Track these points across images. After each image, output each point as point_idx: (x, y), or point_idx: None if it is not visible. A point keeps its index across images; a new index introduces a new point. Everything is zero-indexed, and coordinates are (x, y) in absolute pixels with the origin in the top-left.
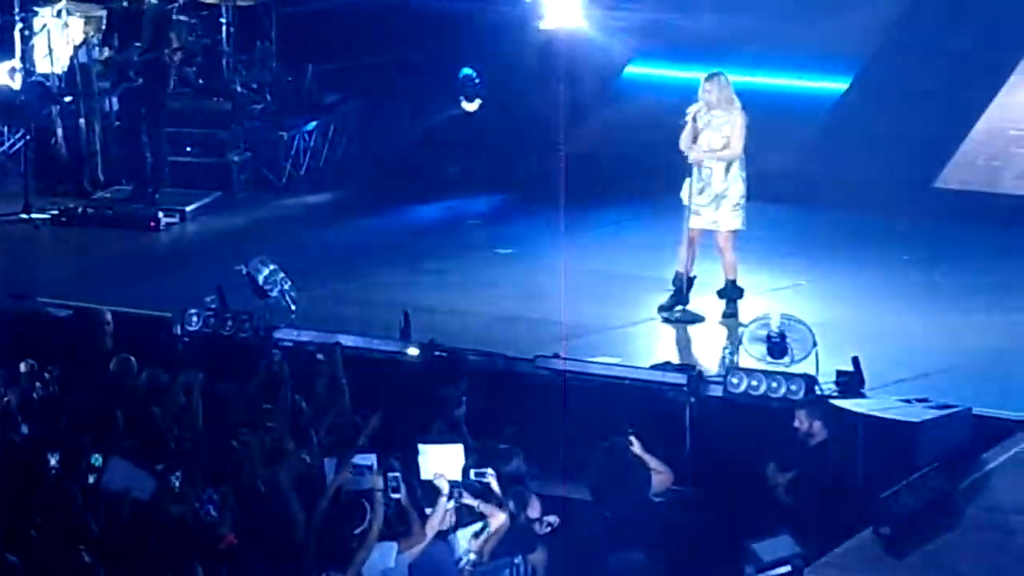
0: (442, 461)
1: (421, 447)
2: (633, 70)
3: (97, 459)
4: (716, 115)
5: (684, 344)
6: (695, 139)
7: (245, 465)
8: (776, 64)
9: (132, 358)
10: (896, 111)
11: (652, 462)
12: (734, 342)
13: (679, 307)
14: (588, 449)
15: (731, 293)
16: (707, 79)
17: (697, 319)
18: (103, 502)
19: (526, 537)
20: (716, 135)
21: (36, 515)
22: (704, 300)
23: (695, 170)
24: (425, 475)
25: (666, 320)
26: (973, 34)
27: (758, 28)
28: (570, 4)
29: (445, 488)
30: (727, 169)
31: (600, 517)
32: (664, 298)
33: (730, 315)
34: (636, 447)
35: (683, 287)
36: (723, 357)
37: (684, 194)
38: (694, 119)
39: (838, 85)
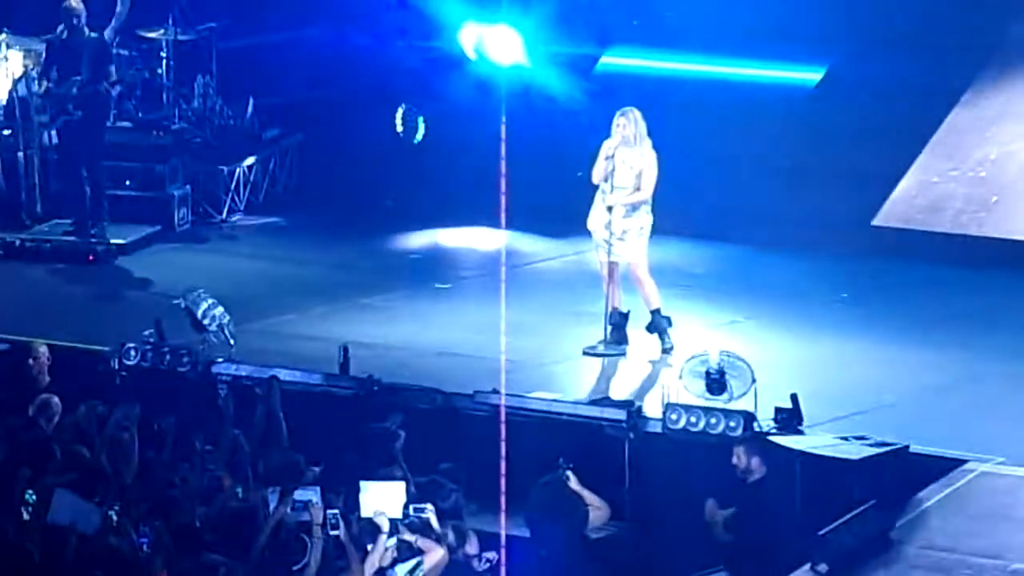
0: (383, 499)
1: (363, 484)
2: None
3: (31, 495)
4: (629, 151)
5: (623, 380)
6: (608, 175)
7: (182, 501)
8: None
9: (55, 397)
10: (835, 147)
11: (589, 497)
12: (673, 378)
13: (611, 345)
14: (528, 485)
15: (659, 324)
16: (621, 114)
17: (619, 354)
18: (40, 535)
19: (465, 573)
20: (629, 172)
21: None
22: (632, 335)
23: (602, 204)
24: (365, 512)
25: (588, 354)
26: (913, 67)
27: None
28: (512, 41)
29: (385, 526)
30: (636, 205)
31: (536, 553)
32: (589, 334)
33: (668, 350)
34: (573, 482)
35: (619, 323)
36: (661, 393)
37: (591, 223)
38: (610, 155)
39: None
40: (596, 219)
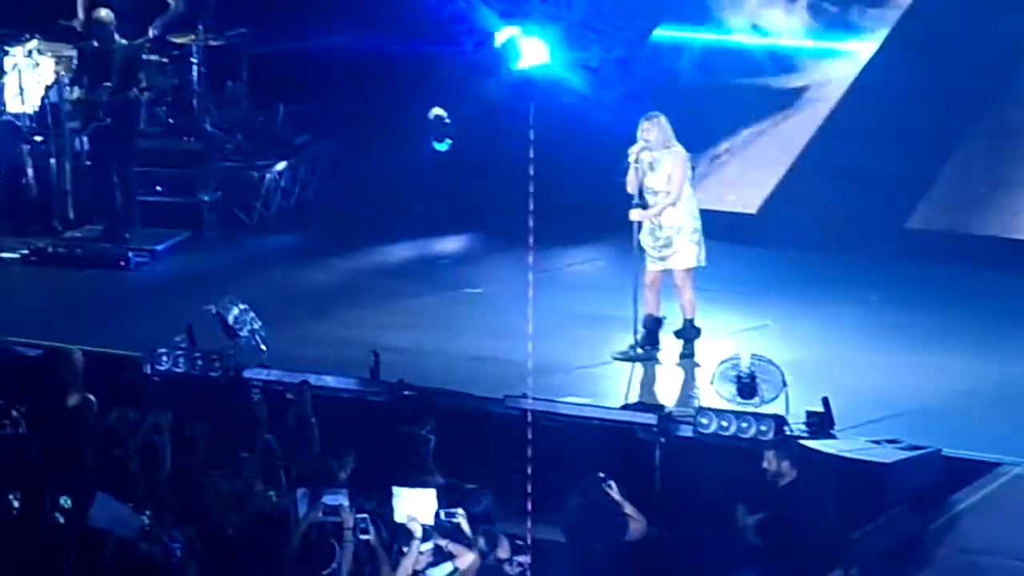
0: (415, 505)
1: (395, 490)
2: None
3: (66, 500)
4: (656, 156)
5: (653, 384)
6: (641, 182)
7: (213, 507)
8: None
9: (92, 396)
10: (867, 149)
11: (628, 508)
12: (704, 382)
13: (642, 348)
14: (559, 490)
15: (688, 333)
16: (646, 119)
17: (649, 358)
18: (75, 541)
19: None
20: (658, 177)
21: (5, 555)
22: (663, 340)
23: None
24: (399, 518)
25: (619, 359)
26: (947, 73)
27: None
28: (542, 46)
29: (418, 532)
30: (674, 205)
31: (571, 559)
32: (621, 339)
33: (686, 356)
34: (614, 492)
35: (653, 329)
36: (693, 397)
37: (642, 238)
38: (636, 160)
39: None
40: (644, 231)
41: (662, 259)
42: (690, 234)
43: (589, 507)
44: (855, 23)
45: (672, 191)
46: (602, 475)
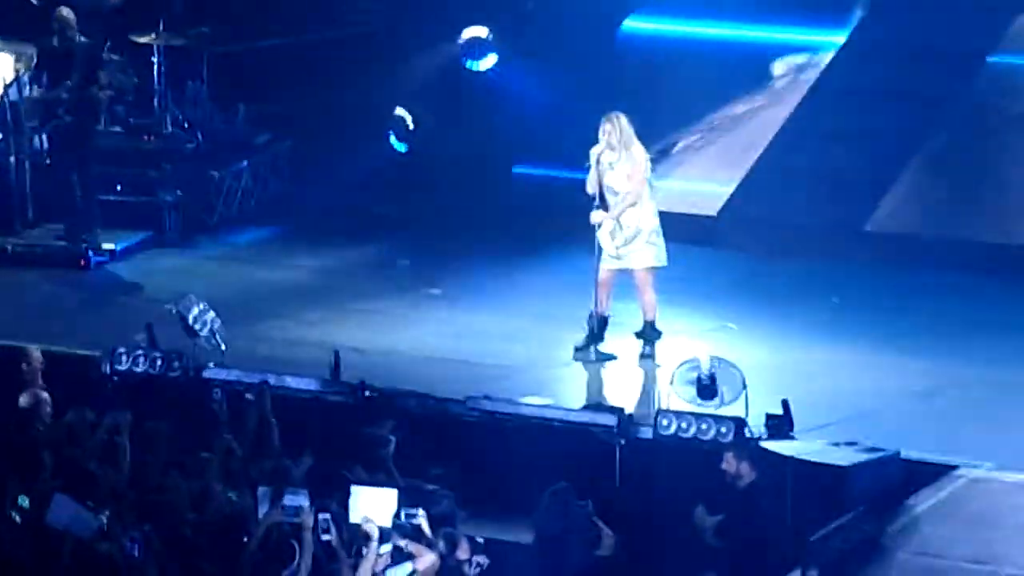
0: (373, 505)
1: (353, 488)
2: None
3: (24, 500)
4: (616, 156)
5: (613, 385)
6: (601, 182)
7: (172, 507)
8: None
9: (47, 395)
10: (825, 152)
11: (600, 524)
12: (664, 383)
13: (592, 347)
14: (520, 491)
15: (650, 335)
16: (606, 119)
17: (610, 358)
18: (33, 540)
19: None
20: (618, 176)
21: None
22: (623, 341)
23: (603, 210)
24: (354, 518)
25: (580, 360)
26: (909, 73)
27: None
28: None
29: (375, 533)
30: (634, 205)
31: (540, 562)
32: (580, 339)
33: (647, 356)
34: (589, 509)
35: (595, 328)
36: (653, 399)
37: (601, 236)
38: (597, 161)
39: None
40: (602, 229)
41: (619, 258)
42: (649, 234)
43: (562, 514)
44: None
45: (632, 191)
46: (564, 485)
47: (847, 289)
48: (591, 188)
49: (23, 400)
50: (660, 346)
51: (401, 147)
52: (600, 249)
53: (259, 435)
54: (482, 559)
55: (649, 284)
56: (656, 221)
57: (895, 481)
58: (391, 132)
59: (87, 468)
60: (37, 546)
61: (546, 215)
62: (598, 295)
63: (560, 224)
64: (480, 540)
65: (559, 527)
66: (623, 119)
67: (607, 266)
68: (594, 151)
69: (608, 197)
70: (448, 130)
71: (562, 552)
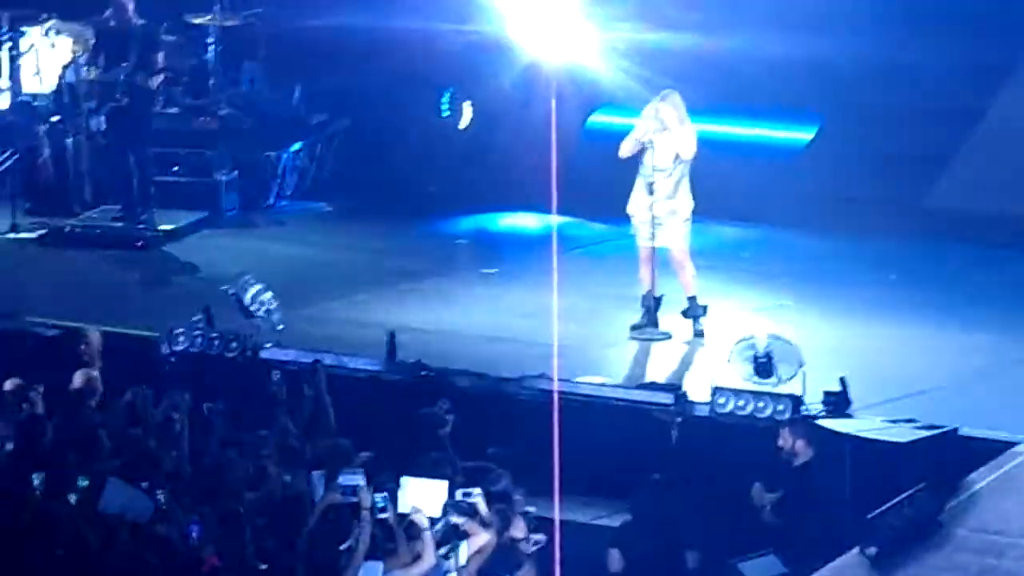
0: (423, 496)
1: (403, 480)
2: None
3: (83, 480)
4: (666, 134)
5: (669, 363)
6: (647, 156)
7: (229, 488)
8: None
9: (95, 372)
10: (887, 127)
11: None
12: (720, 361)
13: (648, 326)
14: (579, 470)
15: (695, 311)
16: (660, 98)
17: (665, 336)
18: (93, 523)
19: (512, 556)
20: (670, 155)
21: (22, 534)
22: (676, 319)
23: (643, 187)
24: (403, 508)
25: (635, 339)
26: (969, 50)
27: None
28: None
29: (424, 523)
30: (676, 186)
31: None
32: (636, 319)
33: (697, 334)
34: None
35: (651, 307)
36: (708, 377)
37: (634, 210)
38: (648, 140)
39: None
40: (636, 203)
41: (654, 238)
42: (687, 213)
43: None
44: None
45: (676, 169)
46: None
47: (905, 265)
48: (624, 153)
49: (76, 380)
50: (717, 324)
51: (459, 125)
52: (637, 229)
53: (315, 416)
54: (539, 536)
55: (687, 260)
56: (691, 202)
57: (954, 458)
58: (447, 110)
59: (145, 448)
60: (97, 528)
61: (600, 193)
62: (641, 275)
63: (619, 203)
64: (536, 521)
65: (654, 522)
66: (677, 97)
67: (647, 243)
68: (644, 128)
69: (653, 175)
70: (505, 108)
71: (650, 545)
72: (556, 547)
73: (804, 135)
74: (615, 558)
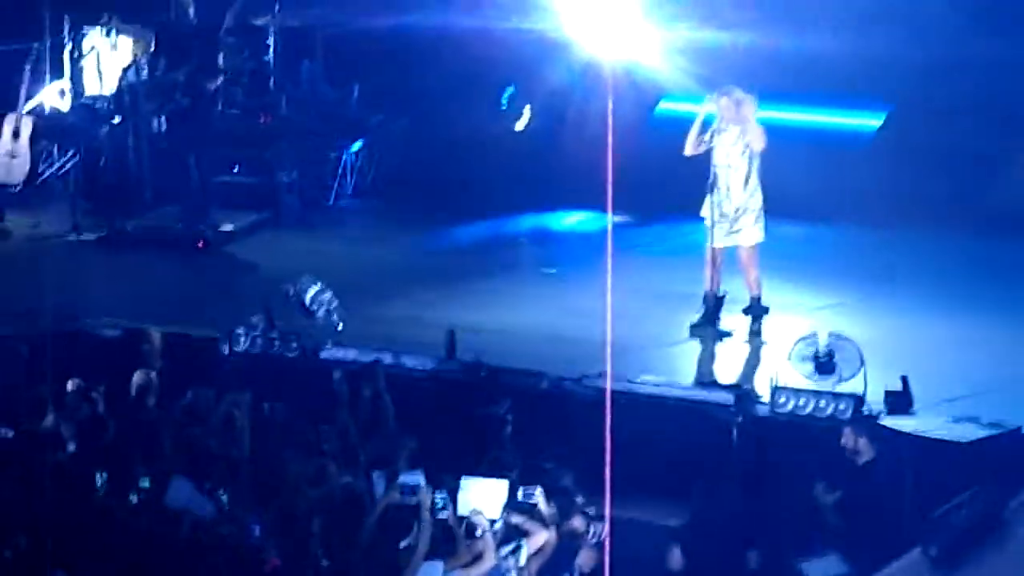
0: (483, 496)
1: (463, 481)
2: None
3: (145, 480)
4: (733, 130)
5: (728, 363)
6: (713, 154)
7: (290, 487)
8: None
9: (153, 372)
10: (946, 125)
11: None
12: (779, 360)
13: (708, 325)
14: (640, 470)
15: (756, 311)
16: (723, 94)
17: (726, 336)
18: (153, 522)
19: (570, 555)
20: (732, 152)
21: (85, 532)
22: (736, 319)
23: (714, 187)
24: (462, 510)
25: (696, 338)
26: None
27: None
28: (613, 27)
29: (484, 524)
30: (745, 182)
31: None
32: (696, 318)
33: (755, 333)
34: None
35: (712, 307)
36: (767, 376)
37: (705, 211)
38: (712, 137)
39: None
40: (707, 204)
41: (727, 236)
42: (757, 211)
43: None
44: None
45: (745, 165)
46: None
47: (966, 263)
48: (689, 151)
49: (136, 379)
50: (774, 322)
51: (517, 125)
52: (710, 227)
53: (374, 415)
54: (600, 527)
55: (754, 261)
56: (761, 199)
57: (1017, 457)
58: (506, 110)
59: (206, 448)
60: (156, 527)
61: (664, 191)
62: (706, 274)
63: (677, 201)
64: (595, 517)
65: (715, 521)
66: (739, 92)
67: (716, 245)
68: (716, 127)
69: (720, 172)
70: (565, 107)
71: (711, 546)
72: (607, 546)
73: (865, 130)
74: (676, 557)
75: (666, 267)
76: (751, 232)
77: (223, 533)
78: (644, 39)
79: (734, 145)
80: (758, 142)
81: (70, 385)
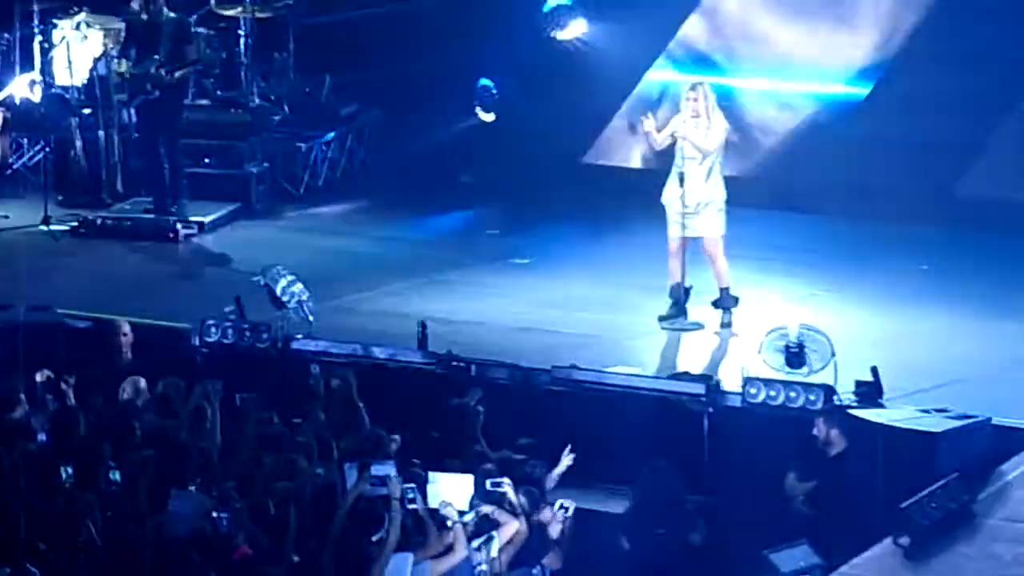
0: (452, 490)
1: (431, 475)
2: (652, 76)
3: (115, 474)
4: (696, 123)
5: (699, 354)
6: (679, 148)
7: (261, 479)
8: (796, 72)
9: (142, 380)
10: (916, 115)
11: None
12: (749, 351)
13: (677, 316)
14: (612, 461)
15: (726, 302)
16: (690, 88)
17: (696, 327)
18: (118, 510)
19: (540, 545)
20: (697, 141)
21: (51, 525)
22: (705, 310)
23: (675, 178)
24: (432, 503)
25: (665, 329)
26: (997, 36)
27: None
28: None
29: (454, 516)
30: (708, 174)
31: (623, 530)
32: (664, 309)
33: (726, 324)
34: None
35: (679, 298)
36: (738, 367)
37: (666, 200)
38: (679, 130)
39: (857, 90)
40: (669, 193)
41: (691, 226)
42: (720, 203)
43: (660, 494)
44: None
45: (708, 153)
46: (664, 463)
47: (937, 255)
48: (657, 146)
49: (126, 390)
50: (747, 314)
51: (488, 117)
52: (671, 220)
53: (346, 407)
54: (568, 502)
55: (720, 251)
56: (724, 192)
57: (986, 448)
58: (477, 103)
59: (177, 440)
60: (126, 520)
61: (631, 182)
62: (670, 267)
63: (648, 192)
64: (564, 508)
65: (656, 506)
66: (707, 87)
67: (678, 233)
68: (676, 119)
69: (685, 164)
70: (534, 98)
71: (653, 529)
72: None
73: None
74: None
75: (636, 258)
76: (713, 223)
77: (193, 524)
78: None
79: (699, 134)
80: (717, 135)
81: (39, 377)
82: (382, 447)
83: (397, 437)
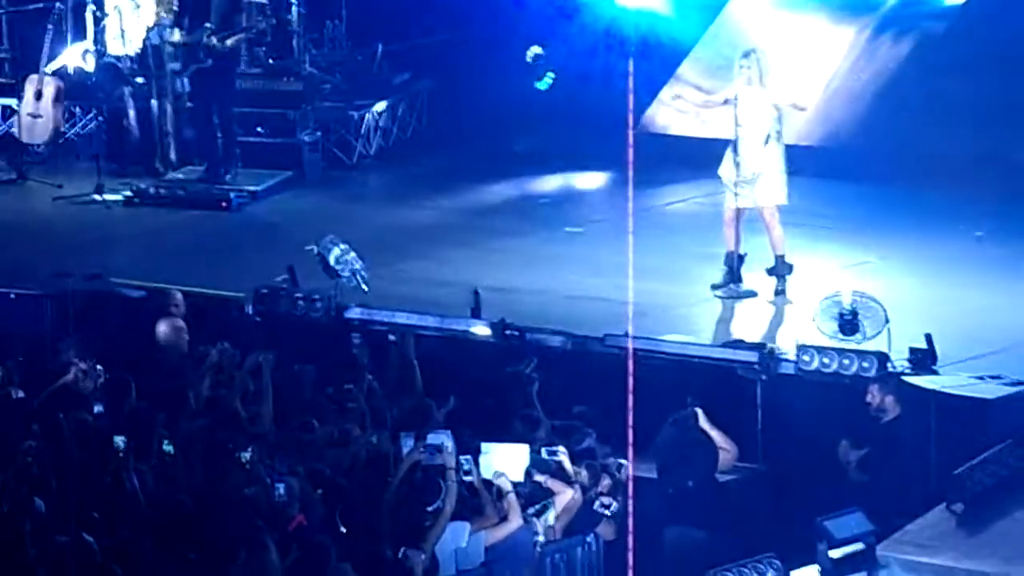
0: (506, 460)
1: (484, 446)
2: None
3: (168, 445)
4: (750, 92)
5: (753, 321)
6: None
7: (316, 447)
8: None
9: (182, 321)
10: (972, 80)
11: (717, 437)
12: (803, 319)
13: (731, 284)
14: (659, 427)
15: (781, 270)
16: (743, 55)
17: (750, 295)
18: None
19: (595, 514)
20: (749, 113)
21: (106, 495)
22: (759, 277)
23: (732, 147)
24: (486, 474)
25: (718, 297)
26: None
27: None
28: None
29: (507, 487)
30: (765, 143)
31: (663, 494)
32: (718, 277)
33: (780, 292)
34: (702, 420)
35: (733, 266)
36: (792, 335)
37: (723, 171)
38: (735, 97)
39: None
40: (726, 163)
41: (747, 195)
42: (777, 171)
43: (679, 439)
44: None
45: (762, 126)
46: (690, 401)
47: (991, 222)
48: (710, 107)
49: (161, 329)
50: (801, 281)
51: (542, 85)
52: (727, 189)
53: (400, 376)
54: (608, 500)
55: (776, 220)
56: (782, 161)
57: None
58: (530, 70)
59: (231, 408)
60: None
61: (686, 151)
62: (725, 235)
63: (699, 161)
64: (620, 471)
65: (674, 450)
66: (761, 54)
67: (734, 204)
68: (733, 88)
69: (742, 132)
70: (587, 66)
71: (680, 476)
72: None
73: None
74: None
75: (691, 225)
76: (772, 192)
77: (249, 492)
78: None
79: (752, 105)
80: (771, 106)
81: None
82: (433, 417)
83: (452, 398)
